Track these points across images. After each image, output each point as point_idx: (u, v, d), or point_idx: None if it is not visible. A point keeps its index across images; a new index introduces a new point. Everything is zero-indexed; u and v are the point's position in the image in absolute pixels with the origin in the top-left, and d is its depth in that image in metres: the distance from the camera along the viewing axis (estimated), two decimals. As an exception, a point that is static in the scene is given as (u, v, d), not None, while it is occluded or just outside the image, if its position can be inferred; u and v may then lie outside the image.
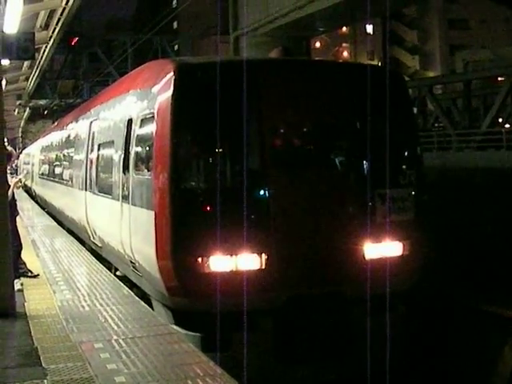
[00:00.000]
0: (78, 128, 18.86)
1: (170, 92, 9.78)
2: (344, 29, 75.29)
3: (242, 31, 36.54)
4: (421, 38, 79.95)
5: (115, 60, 55.40)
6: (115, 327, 9.11)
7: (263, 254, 9.58)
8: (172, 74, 9.89)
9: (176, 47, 76.38)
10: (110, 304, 10.45)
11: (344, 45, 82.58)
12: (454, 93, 40.02)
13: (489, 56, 57.57)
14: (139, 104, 11.41)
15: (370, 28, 77.84)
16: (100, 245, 14.37)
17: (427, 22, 79.53)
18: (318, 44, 73.38)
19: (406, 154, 11.01)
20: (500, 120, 32.02)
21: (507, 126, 31.64)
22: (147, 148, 10.66)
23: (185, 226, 9.47)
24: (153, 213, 9.84)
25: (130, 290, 11.51)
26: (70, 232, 19.72)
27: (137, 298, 10.99)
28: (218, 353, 8.70)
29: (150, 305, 10.74)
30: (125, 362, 7.62)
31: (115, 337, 8.64)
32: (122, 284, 12.02)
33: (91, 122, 15.90)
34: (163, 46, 66.42)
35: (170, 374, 7.20)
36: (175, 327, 9.51)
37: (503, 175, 18.76)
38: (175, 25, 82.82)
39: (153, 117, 10.23)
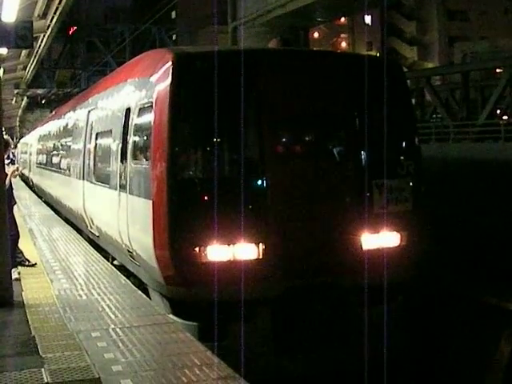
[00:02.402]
0: (75, 117, 18.83)
1: (168, 81, 9.75)
2: (342, 19, 75.15)
3: (240, 21, 36.50)
4: (419, 29, 79.80)
5: (113, 49, 55.37)
6: (112, 316, 9.12)
7: (261, 244, 9.57)
8: (170, 63, 9.86)
9: (174, 37, 76.26)
10: (107, 293, 10.46)
11: (342, 35, 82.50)
12: (452, 84, 39.98)
13: (488, 47, 57.49)
14: (137, 93, 11.38)
15: (368, 19, 77.69)
16: (97, 234, 14.37)
17: (426, 13, 79.40)
18: (316, 34, 73.35)
19: (404, 144, 10.98)
20: (498, 111, 31.99)
21: (505, 117, 31.58)
22: (145, 137, 10.65)
23: (182, 215, 9.46)
24: (150, 202, 9.82)
25: (127, 280, 11.52)
26: (67, 221, 19.73)
27: (134, 287, 11.00)
28: (216, 342, 8.71)
29: (147, 294, 10.75)
30: (122, 351, 7.63)
31: (112, 326, 8.65)
32: (120, 273, 12.03)
33: (89, 112, 15.88)
34: (161, 36, 66.38)
35: (166, 363, 7.21)
36: (172, 317, 9.52)
37: (501, 167, 18.77)
38: (173, 14, 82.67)
39: (151, 106, 10.20)
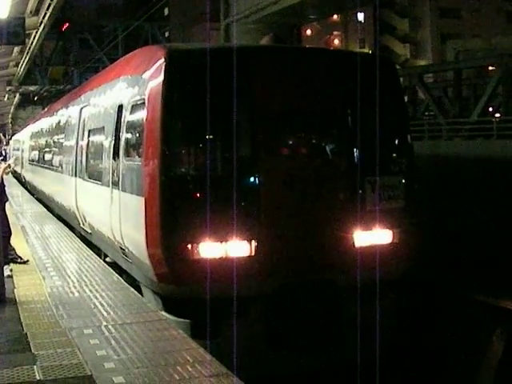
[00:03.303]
0: (68, 114, 18.82)
1: (160, 78, 9.75)
2: (335, 17, 75.12)
3: (233, 18, 36.46)
4: (412, 26, 79.83)
5: (106, 46, 55.24)
6: (105, 313, 9.11)
7: (253, 241, 9.59)
8: (163, 60, 9.87)
9: (167, 34, 76.13)
10: (99, 290, 10.45)
11: (335, 33, 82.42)
12: (444, 81, 40.01)
13: (480, 45, 57.52)
14: (130, 90, 11.38)
15: (361, 16, 77.68)
16: (90, 231, 14.37)
17: (419, 10, 79.43)
18: (309, 31, 73.28)
19: (396, 141, 11.02)
20: (490, 109, 32.02)
21: (497, 115, 31.61)
22: (137, 134, 10.65)
23: (175, 212, 9.47)
24: (143, 199, 9.82)
25: (119, 277, 11.51)
26: (60, 218, 19.68)
27: (126, 284, 10.99)
28: (208, 339, 8.71)
29: (140, 291, 10.74)
30: (114, 348, 7.63)
31: (105, 323, 8.64)
32: (112, 270, 12.02)
33: (81, 108, 15.87)
34: (154, 33, 66.24)
35: (159, 360, 7.20)
36: (165, 314, 9.51)
37: (492, 164, 18.81)
38: (166, 11, 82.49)
39: (143, 103, 10.21)
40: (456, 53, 55.68)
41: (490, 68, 36.43)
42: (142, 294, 10.59)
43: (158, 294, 10.14)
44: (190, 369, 6.94)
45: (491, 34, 62.95)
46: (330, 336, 10.04)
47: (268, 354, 9.77)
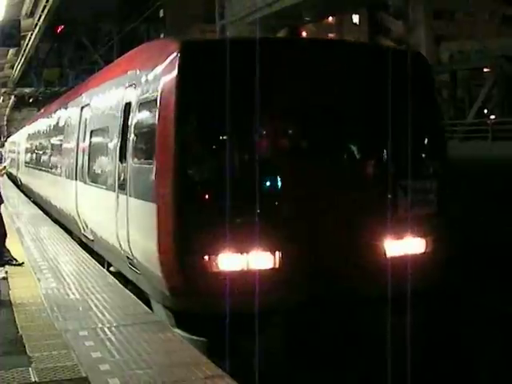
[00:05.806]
0: (67, 114, 18.14)
1: (174, 73, 8.94)
2: (330, 19, 75.20)
3: (228, 20, 36.50)
4: (406, 28, 79.87)
5: (101, 48, 55.31)
6: (100, 315, 9.10)
7: (277, 252, 8.80)
8: (177, 52, 9.04)
9: (162, 36, 76.18)
10: (94, 292, 10.43)
11: (330, 35, 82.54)
12: (439, 83, 40.07)
13: (474, 47, 57.59)
14: (139, 87, 10.52)
15: (356, 18, 77.76)
16: (92, 238, 13.72)
17: (413, 12, 79.47)
18: (304, 34, 73.35)
19: (430, 142, 10.10)
20: (485, 111, 32.09)
21: (492, 117, 31.68)
22: (148, 135, 9.77)
23: (190, 220, 8.67)
24: (155, 205, 9.02)
25: (114, 279, 11.41)
26: (56, 221, 19.50)
27: (122, 286, 10.91)
28: (227, 359, 7.94)
29: (148, 304, 10.12)
30: (109, 349, 7.62)
31: (100, 325, 8.63)
32: (107, 273, 11.97)
33: (82, 108, 15.16)
34: (149, 35, 66.31)
35: (154, 362, 7.20)
36: (178, 331, 8.86)
37: (489, 165, 18.85)
38: (161, 13, 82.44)
39: (155, 100, 9.38)
40: (450, 55, 55.79)
41: (485, 70, 36.54)
42: (151, 309, 9.95)
43: (170, 309, 9.38)
44: (186, 371, 6.94)
45: (485, 36, 63.03)
46: (357, 352, 9.15)
47: (289, 371, 8.85)
